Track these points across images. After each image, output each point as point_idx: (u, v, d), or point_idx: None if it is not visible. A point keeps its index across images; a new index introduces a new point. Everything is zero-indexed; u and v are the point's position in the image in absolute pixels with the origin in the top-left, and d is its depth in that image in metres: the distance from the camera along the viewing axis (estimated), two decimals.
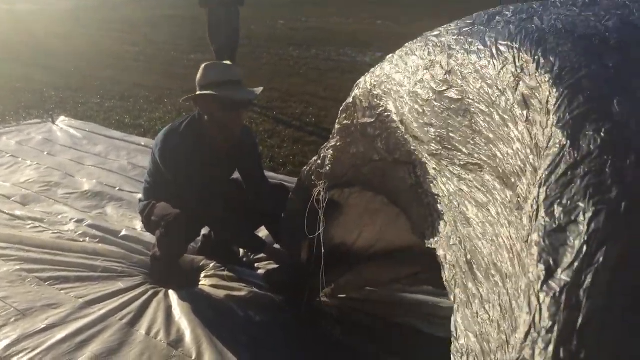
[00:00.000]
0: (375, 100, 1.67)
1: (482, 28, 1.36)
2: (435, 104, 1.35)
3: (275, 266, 2.72)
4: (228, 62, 2.61)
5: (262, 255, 2.89)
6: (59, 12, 14.92)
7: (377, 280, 2.61)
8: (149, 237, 2.92)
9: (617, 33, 1.15)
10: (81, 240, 3.02)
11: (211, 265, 2.85)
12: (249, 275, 2.76)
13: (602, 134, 0.91)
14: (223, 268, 2.80)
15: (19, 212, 3.33)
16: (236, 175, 2.84)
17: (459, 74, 1.29)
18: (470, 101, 1.23)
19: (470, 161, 1.21)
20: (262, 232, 3.04)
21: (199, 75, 2.49)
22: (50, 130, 5.07)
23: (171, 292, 2.56)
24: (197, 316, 2.39)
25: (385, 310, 2.57)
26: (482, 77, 1.21)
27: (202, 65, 2.54)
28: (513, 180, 1.04)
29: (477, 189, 1.17)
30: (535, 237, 0.87)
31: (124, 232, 3.12)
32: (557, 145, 0.93)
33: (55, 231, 3.11)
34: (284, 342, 2.31)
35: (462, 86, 1.27)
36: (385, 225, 2.26)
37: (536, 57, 1.11)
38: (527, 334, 0.80)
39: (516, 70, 1.13)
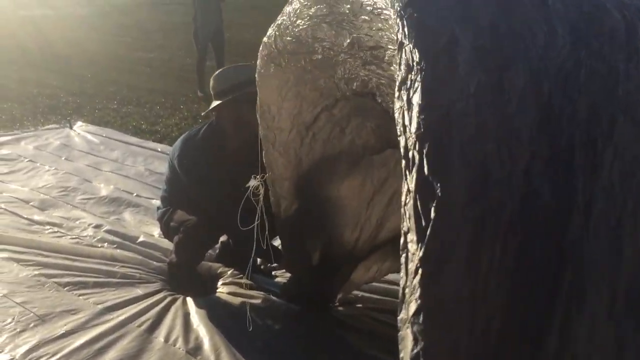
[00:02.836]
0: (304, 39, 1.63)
1: None
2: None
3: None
4: (242, 64, 2.63)
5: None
6: (73, 18, 15.05)
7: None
8: (167, 244, 2.93)
9: None
10: (99, 245, 3.04)
11: (229, 272, 2.85)
12: (266, 283, 2.75)
13: None
14: (241, 276, 2.79)
15: (38, 217, 3.36)
16: None
17: None
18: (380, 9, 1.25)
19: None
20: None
21: (214, 83, 2.49)
22: (68, 135, 5.11)
23: (189, 299, 2.56)
24: (215, 324, 2.39)
25: None
26: None
27: (216, 73, 2.55)
28: None
29: None
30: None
31: (141, 238, 3.13)
32: None
33: (74, 236, 3.13)
34: (302, 350, 2.30)
35: None
36: (381, 211, 2.27)
37: None
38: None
39: None
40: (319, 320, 2.51)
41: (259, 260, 2.97)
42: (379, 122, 1.80)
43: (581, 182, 0.92)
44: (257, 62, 1.91)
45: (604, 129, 0.97)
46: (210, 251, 2.97)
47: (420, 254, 0.89)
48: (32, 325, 2.32)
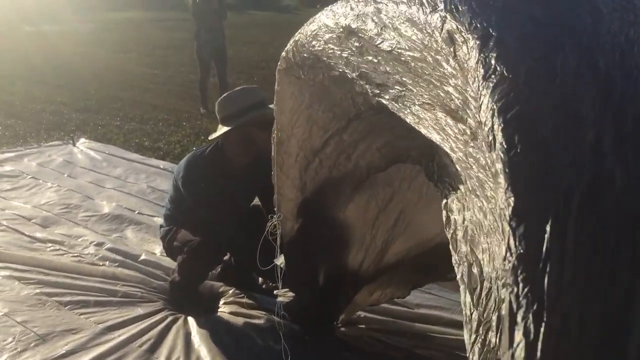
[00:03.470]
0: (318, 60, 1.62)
1: None
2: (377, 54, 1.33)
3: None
4: (246, 86, 2.63)
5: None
6: (81, 34, 15.17)
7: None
8: (168, 262, 2.92)
9: None
10: (101, 264, 3.03)
11: (230, 291, 2.83)
12: (268, 303, 2.74)
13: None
14: (242, 295, 2.78)
15: (39, 234, 3.35)
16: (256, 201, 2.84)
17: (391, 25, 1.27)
18: (401, 50, 1.21)
19: (424, 101, 1.19)
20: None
21: (220, 108, 2.49)
22: (71, 152, 5.12)
23: (190, 319, 2.55)
24: (216, 344, 2.38)
25: (407, 341, 2.53)
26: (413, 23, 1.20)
27: (221, 98, 2.54)
28: (461, 114, 1.05)
29: (433, 127, 1.16)
30: (499, 166, 0.89)
31: (143, 257, 3.12)
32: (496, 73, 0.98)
33: (75, 254, 3.12)
34: None
35: (394, 37, 1.25)
36: (386, 232, 2.27)
37: None
38: (504, 259, 0.83)
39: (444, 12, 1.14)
40: (321, 341, 2.49)
41: (260, 279, 2.97)
42: (387, 139, 1.79)
43: None
44: (276, 81, 1.91)
45: None
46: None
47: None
48: (32, 344, 2.31)
